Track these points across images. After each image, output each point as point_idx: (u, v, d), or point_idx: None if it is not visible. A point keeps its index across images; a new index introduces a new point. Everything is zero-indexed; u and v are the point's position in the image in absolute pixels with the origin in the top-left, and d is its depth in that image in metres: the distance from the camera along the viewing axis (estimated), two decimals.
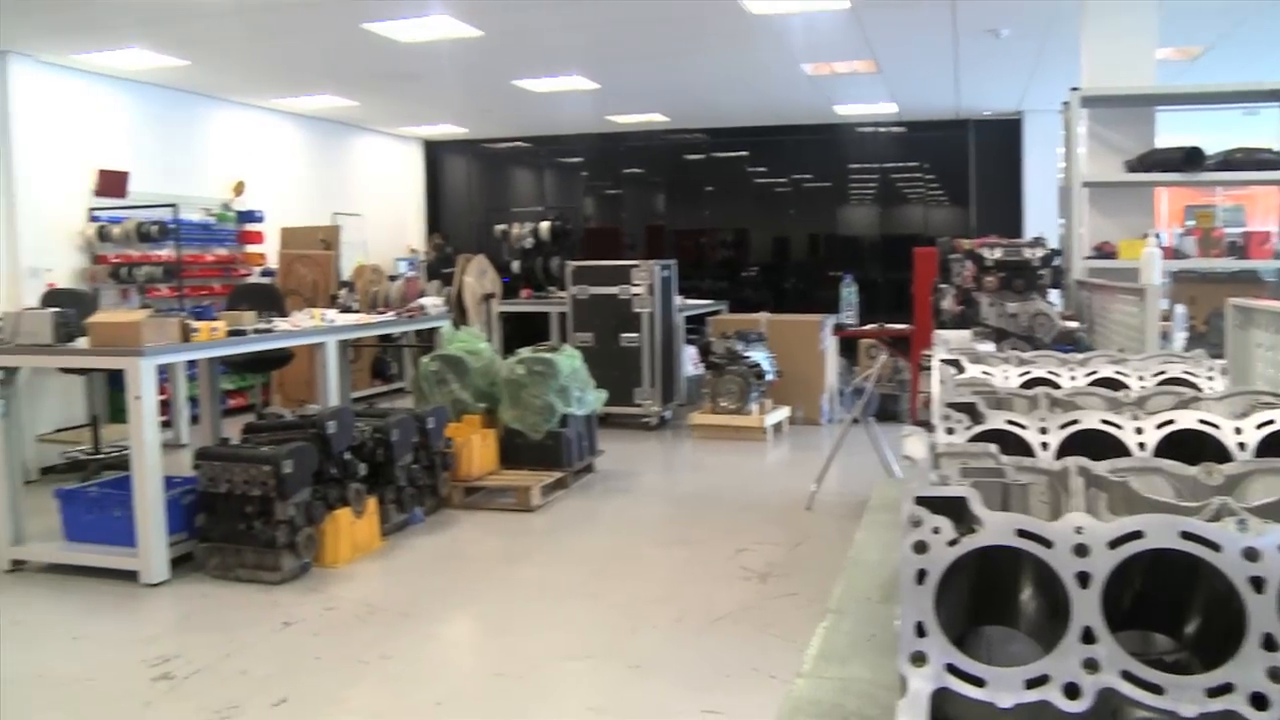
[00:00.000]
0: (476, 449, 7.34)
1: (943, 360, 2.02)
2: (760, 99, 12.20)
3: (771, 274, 15.08)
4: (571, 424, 7.72)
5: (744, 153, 15.16)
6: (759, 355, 9.77)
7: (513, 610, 5.26)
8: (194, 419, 9.66)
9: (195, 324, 6.20)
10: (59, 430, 9.13)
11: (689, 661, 4.50)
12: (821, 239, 15.12)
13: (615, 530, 6.82)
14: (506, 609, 5.30)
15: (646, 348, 9.93)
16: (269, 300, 8.41)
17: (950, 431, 1.49)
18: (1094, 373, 1.93)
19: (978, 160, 13.73)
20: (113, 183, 10.25)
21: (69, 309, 6.26)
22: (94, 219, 10.20)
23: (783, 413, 9.90)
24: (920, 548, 0.95)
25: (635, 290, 9.94)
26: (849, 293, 7.65)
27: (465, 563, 6.17)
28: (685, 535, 6.58)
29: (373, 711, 4.11)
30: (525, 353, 7.88)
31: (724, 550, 6.10)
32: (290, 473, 5.57)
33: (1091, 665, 0.89)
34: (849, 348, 10.89)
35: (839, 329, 8.53)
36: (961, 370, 1.96)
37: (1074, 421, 1.48)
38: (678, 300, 10.74)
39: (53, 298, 8.40)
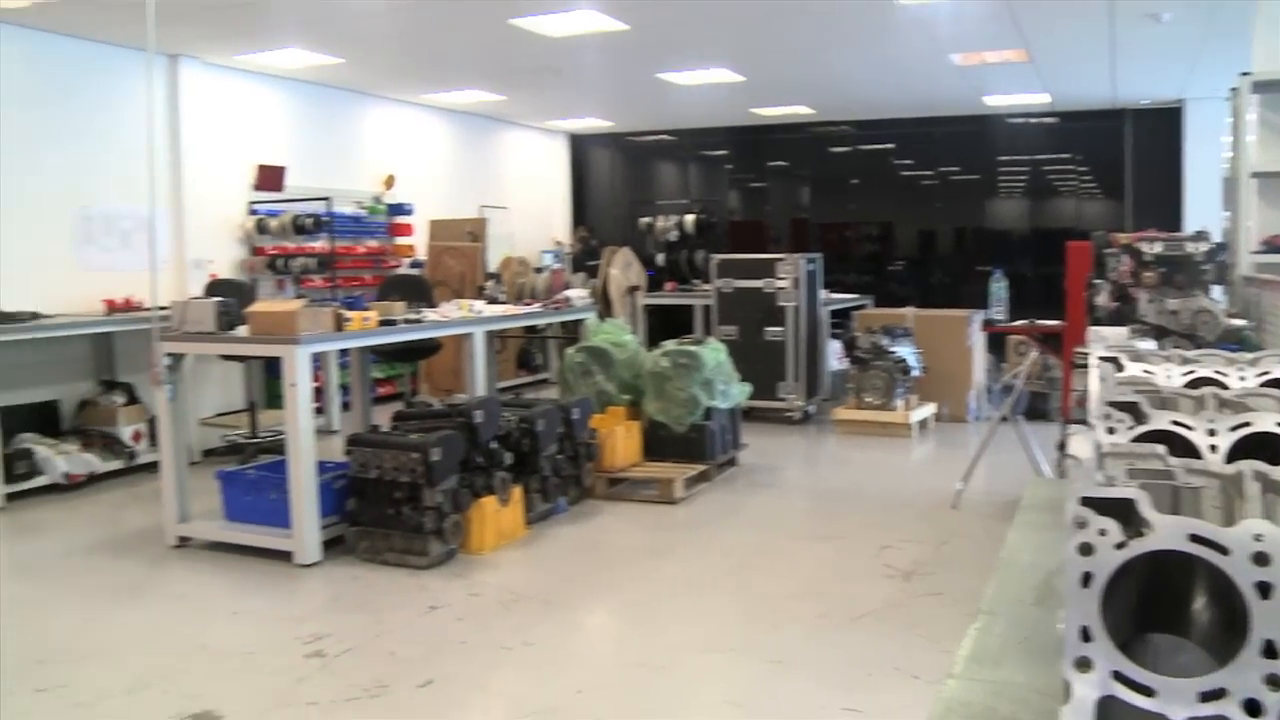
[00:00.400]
0: (620, 440, 7.39)
1: (1101, 358, 1.96)
2: (907, 90, 12.01)
3: (917, 268, 14.85)
4: (715, 417, 7.71)
5: (890, 145, 14.93)
6: (905, 350, 9.64)
7: (654, 601, 5.29)
8: (345, 406, 9.94)
9: (348, 314, 6.37)
10: (219, 414, 9.49)
11: (830, 659, 4.47)
12: (969, 233, 14.82)
13: (758, 524, 6.80)
14: (648, 600, 5.32)
15: (791, 342, 9.87)
16: (418, 291, 8.58)
17: (1111, 431, 1.45)
18: (1265, 373, 1.85)
19: (1134, 151, 13.30)
20: (271, 177, 10.60)
21: (230, 299, 6.49)
22: (253, 212, 10.56)
23: (928, 409, 9.74)
24: (1085, 550, 0.93)
25: (780, 284, 9.89)
26: (998, 288, 7.47)
27: (608, 553, 6.22)
28: (828, 531, 6.53)
29: (515, 696, 4.17)
30: (670, 345, 7.89)
31: (867, 547, 6.03)
32: (438, 460, 5.69)
33: (1275, 682, 0.85)
34: (997, 344, 10.67)
35: (988, 324, 8.33)
36: (1121, 368, 1.90)
37: (1246, 424, 1.42)
38: (822, 294, 10.64)
39: (215, 288, 8.71)
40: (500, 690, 4.25)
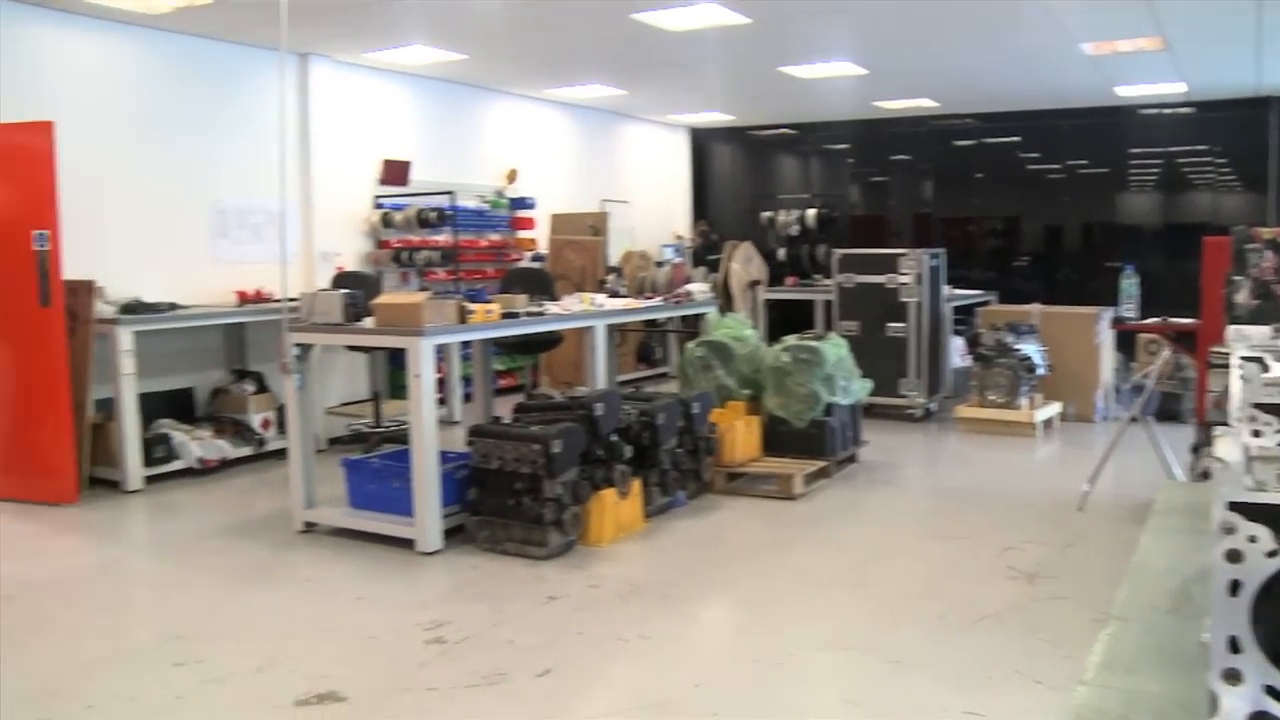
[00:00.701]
0: (740, 435, 7.37)
1: (1243, 358, 1.89)
2: (1034, 81, 11.74)
3: (1043, 264, 14.51)
4: (836, 413, 7.65)
5: (1016, 138, 14.62)
6: (1030, 348, 9.44)
7: (772, 597, 5.27)
8: (467, 397, 10.08)
9: (471, 306, 6.45)
10: (344, 404, 9.71)
11: (950, 660, 4.40)
12: (1097, 228, 14.43)
13: (877, 522, 6.73)
14: (766, 595, 5.30)
15: (913, 338, 9.74)
16: (540, 284, 8.66)
17: (1256, 434, 1.40)
18: None
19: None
20: (396, 172, 10.79)
21: (356, 291, 6.62)
22: (378, 206, 10.76)
23: (1054, 408, 9.53)
24: (1234, 557, 0.89)
25: (902, 279, 9.76)
26: (1129, 284, 7.25)
27: (726, 547, 6.21)
28: (949, 530, 6.43)
29: (632, 689, 4.19)
30: (791, 340, 7.84)
31: (989, 548, 5.93)
32: (559, 452, 5.73)
33: None
34: (1126, 342, 10.39)
35: (1118, 322, 8.09)
36: (1266, 369, 1.83)
37: None
38: (945, 290, 10.47)
39: (341, 280, 8.91)
40: (617, 681, 4.28)
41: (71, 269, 7.17)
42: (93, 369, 7.50)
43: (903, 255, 9.86)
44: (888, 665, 4.34)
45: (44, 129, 6.93)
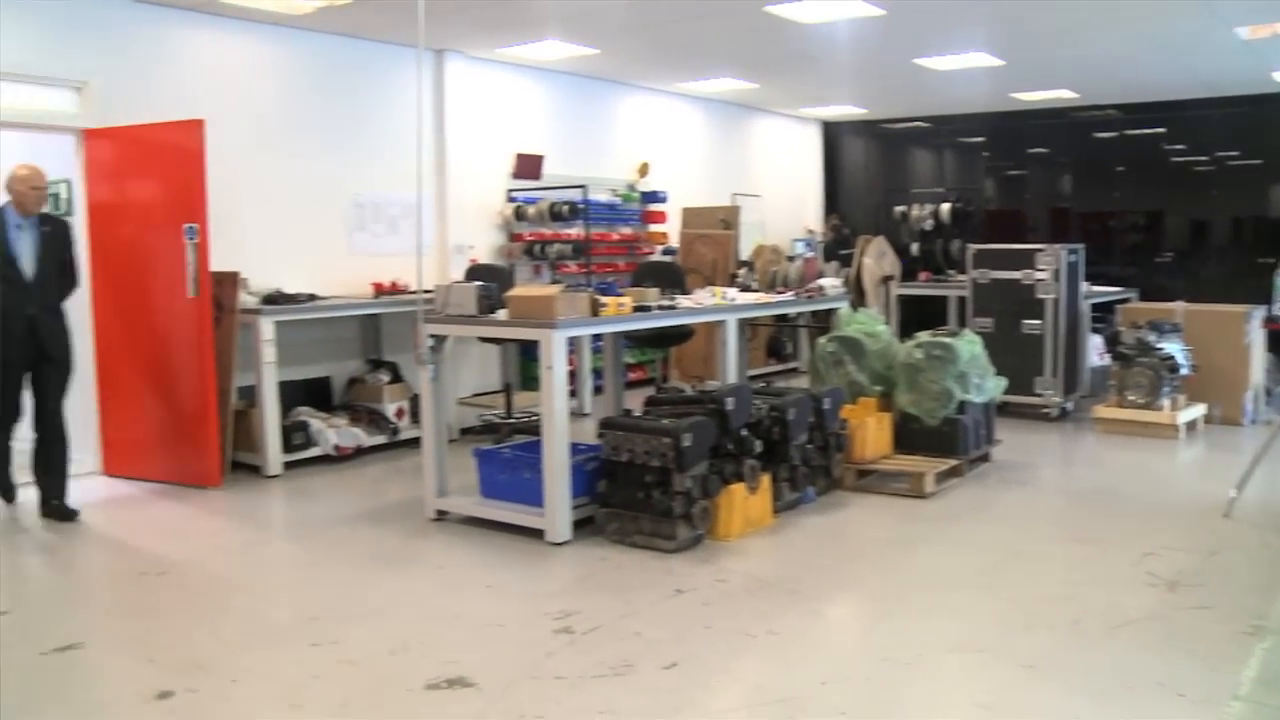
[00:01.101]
0: (871, 432, 7.28)
1: None
2: (1183, 70, 11.35)
3: (1188, 260, 14.02)
4: (969, 411, 7.50)
5: (1160, 129, 14.16)
6: (1173, 347, 9.14)
7: (901, 596, 5.19)
8: (597, 390, 10.14)
9: (603, 299, 6.48)
10: (476, 395, 9.84)
11: (1086, 668, 4.27)
12: (1248, 222, 13.90)
13: (1010, 523, 6.58)
14: (895, 594, 5.23)
15: (1049, 335, 9.50)
16: (671, 278, 8.66)
17: None
18: None
19: None
20: (529, 166, 10.90)
21: (490, 283, 6.70)
22: (511, 200, 10.89)
23: (1197, 410, 9.21)
24: None
25: (1039, 275, 9.53)
26: None
27: (855, 545, 6.14)
28: (1085, 534, 6.25)
29: (758, 684, 4.16)
30: (924, 336, 7.72)
31: (1128, 553, 5.74)
32: (689, 446, 5.73)
33: None
34: (1278, 342, 10.00)
35: (1270, 321, 7.78)
36: None
37: None
38: (1084, 286, 10.20)
39: (475, 273, 9.04)
40: (743, 676, 4.25)
41: (217, 261, 7.40)
42: (236, 357, 7.73)
43: (1040, 250, 9.63)
44: (1020, 670, 4.24)
45: (194, 127, 7.17)
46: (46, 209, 6.79)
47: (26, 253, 6.48)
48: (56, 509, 6.61)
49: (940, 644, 4.51)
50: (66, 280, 6.80)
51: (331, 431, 8.25)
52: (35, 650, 4.57)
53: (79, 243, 7.19)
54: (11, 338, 6.43)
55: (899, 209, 14.25)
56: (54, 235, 6.64)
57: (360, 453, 8.39)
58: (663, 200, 12.52)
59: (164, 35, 8.04)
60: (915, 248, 13.82)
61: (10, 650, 4.59)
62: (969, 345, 7.61)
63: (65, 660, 4.49)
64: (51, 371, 6.63)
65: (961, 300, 10.44)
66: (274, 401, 7.79)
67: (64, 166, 7.72)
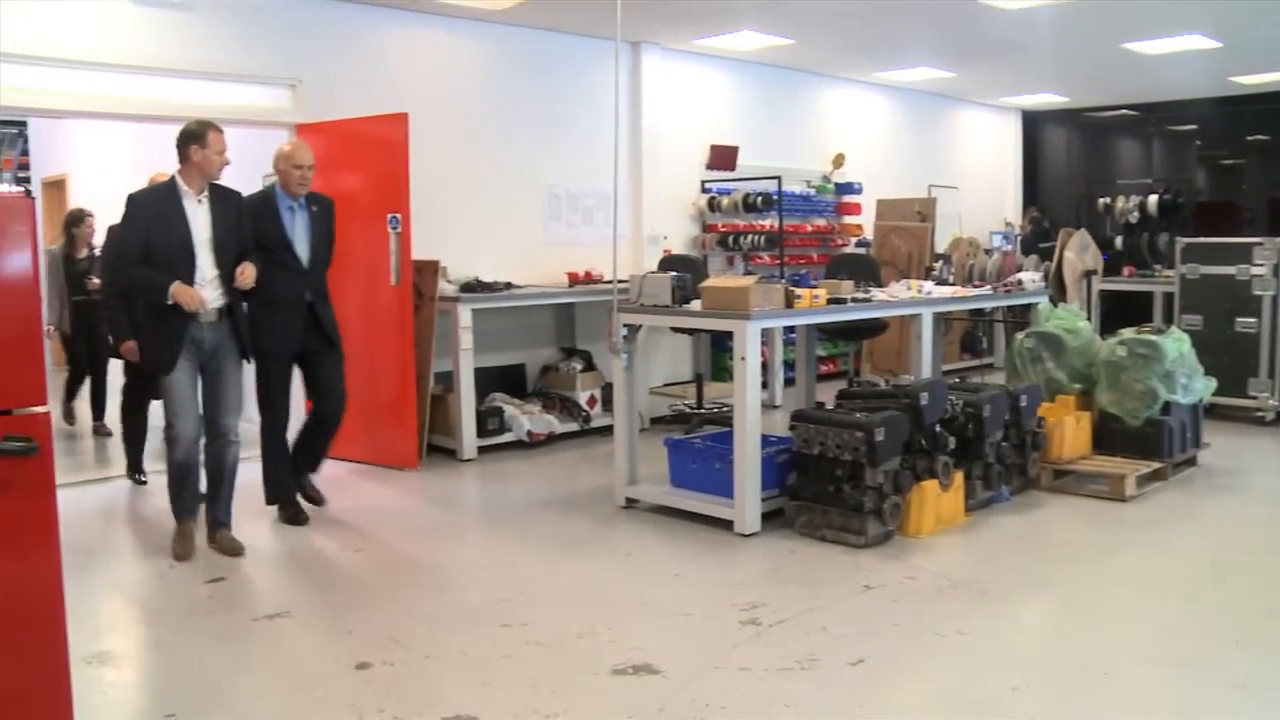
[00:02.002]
0: (1069, 431, 7.06)
1: None
2: None
3: None
4: (1174, 412, 7.19)
5: None
6: None
7: (1098, 602, 5.01)
8: (788, 382, 10.11)
9: (798, 291, 6.44)
10: (667, 384, 9.91)
11: None
12: None
13: (1218, 531, 6.28)
14: (1091, 600, 5.05)
15: (1265, 334, 9.02)
16: (866, 270, 8.56)
17: None
18: None
19: None
20: (723, 157, 10.91)
21: (684, 274, 6.74)
22: (705, 191, 10.92)
23: None
24: None
25: (1256, 271, 9.06)
26: None
27: (1050, 547, 5.96)
28: None
29: (946, 685, 4.08)
30: (1127, 334, 7.44)
31: None
32: (882, 440, 5.66)
33: None
34: None
35: None
36: None
37: None
38: None
39: (668, 263, 9.09)
40: (931, 677, 4.18)
41: (418, 250, 7.64)
42: (435, 344, 7.97)
43: (1258, 245, 9.15)
44: (1227, 688, 4.03)
45: (399, 121, 7.40)
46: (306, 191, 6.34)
47: (300, 236, 6.20)
48: (302, 488, 6.56)
49: (1139, 654, 4.34)
50: (329, 261, 6.53)
51: (525, 418, 8.42)
52: (248, 616, 4.84)
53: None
54: (289, 327, 6.15)
55: (1102, 201, 13.73)
56: (322, 216, 6.34)
57: (552, 439, 8.54)
58: (857, 192, 12.38)
59: (370, 32, 8.34)
60: (1119, 241, 13.29)
61: (225, 615, 4.88)
62: (1176, 343, 7.29)
63: (273, 627, 4.72)
64: (333, 359, 6.37)
65: (1168, 296, 10.03)
66: (470, 387, 8.00)
67: None
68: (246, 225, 5.77)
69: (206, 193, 5.52)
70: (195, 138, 5.43)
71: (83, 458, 8.40)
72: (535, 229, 9.43)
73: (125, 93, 7.30)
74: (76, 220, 8.77)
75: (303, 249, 6.19)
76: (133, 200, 5.49)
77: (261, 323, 6.03)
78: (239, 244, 5.65)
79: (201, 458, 5.72)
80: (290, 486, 6.43)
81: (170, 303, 5.35)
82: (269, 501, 6.40)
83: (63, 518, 2.95)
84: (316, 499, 6.63)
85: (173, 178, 5.52)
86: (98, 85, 7.18)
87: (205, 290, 5.48)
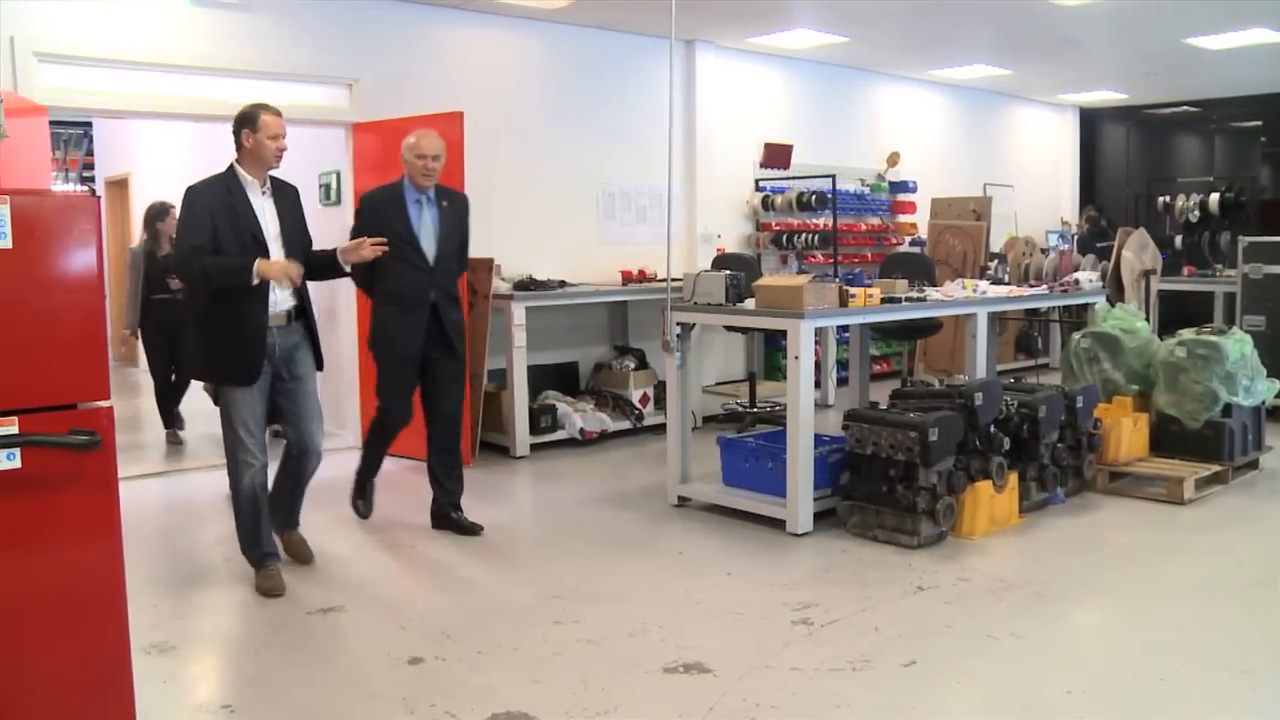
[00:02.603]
0: (1126, 433, 6.98)
1: None
2: None
3: None
4: (1235, 415, 7.08)
5: None
6: None
7: (1156, 606, 4.95)
8: (840, 381, 10.07)
9: (852, 290, 6.42)
10: (719, 383, 9.91)
11: None
12: None
13: None
14: (1148, 604, 4.99)
15: None
16: (920, 269, 8.51)
17: None
18: None
19: None
20: (778, 155, 10.88)
21: (737, 272, 6.73)
22: (759, 189, 10.90)
23: None
24: None
25: None
26: None
27: (1106, 550, 5.90)
28: None
29: (999, 688, 4.05)
30: (1187, 334, 7.34)
31: None
32: (936, 441, 5.62)
33: None
34: None
35: None
36: None
37: None
38: None
39: (722, 262, 9.08)
40: (984, 680, 4.15)
41: (472, 247, 7.64)
42: (488, 341, 8.01)
43: None
44: None
45: (455, 119, 7.44)
46: (419, 184, 5.85)
47: (427, 232, 5.82)
48: (456, 522, 6.14)
49: (1199, 661, 4.28)
50: (463, 263, 6.19)
51: (578, 415, 8.45)
52: (302, 609, 4.90)
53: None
54: (411, 329, 5.79)
55: (1161, 199, 13.55)
56: (453, 212, 5.95)
57: (604, 437, 8.56)
58: (912, 190, 12.31)
59: (426, 32, 8.40)
60: (1178, 240, 13.12)
61: (280, 607, 4.94)
62: (1238, 344, 7.18)
63: (327, 621, 4.78)
64: (451, 367, 5.98)
65: (1230, 296, 9.88)
66: (523, 385, 8.04)
67: (336, 158, 8.17)
68: (300, 222, 5.25)
69: (269, 185, 5.05)
70: (246, 121, 4.93)
71: (143, 452, 8.51)
72: (589, 227, 9.46)
73: (185, 93, 7.40)
74: (160, 214, 8.35)
75: (429, 245, 5.81)
76: (193, 191, 4.91)
77: (383, 322, 5.86)
78: (304, 241, 5.20)
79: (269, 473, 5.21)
80: (367, 488, 6.23)
81: (255, 282, 4.80)
82: (357, 492, 6.23)
83: (123, 509, 3.01)
84: (467, 528, 6.15)
85: (231, 166, 5.01)
86: (158, 86, 7.29)
87: (276, 292, 4.99)
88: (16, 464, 2.77)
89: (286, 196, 5.23)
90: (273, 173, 5.09)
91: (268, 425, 5.24)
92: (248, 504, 5.11)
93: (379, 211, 5.77)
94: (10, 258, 2.73)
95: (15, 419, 2.76)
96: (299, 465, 5.34)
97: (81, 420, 2.82)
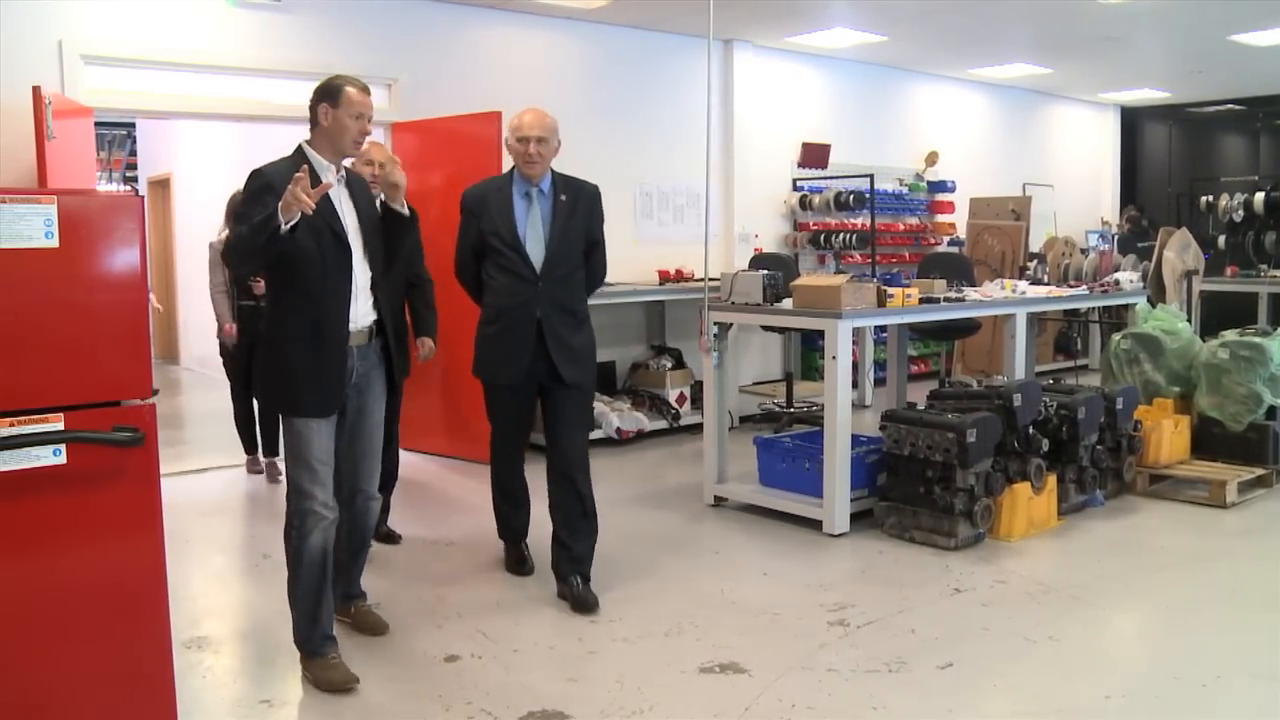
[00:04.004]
0: (1166, 435, 6.91)
1: None
2: None
3: None
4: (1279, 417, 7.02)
5: None
6: None
7: (1196, 610, 4.90)
8: (878, 382, 10.03)
9: (890, 290, 6.40)
10: (756, 383, 9.90)
11: None
12: None
13: None
14: (1189, 608, 4.94)
15: None
16: (959, 269, 8.46)
17: None
18: None
19: None
20: (815, 155, 10.85)
21: (775, 272, 6.72)
22: (796, 188, 10.89)
23: None
24: None
25: None
26: None
27: (1145, 553, 5.84)
28: None
29: (1037, 692, 4.03)
30: (1230, 336, 7.27)
31: None
32: (974, 442, 5.59)
33: None
34: None
35: None
36: None
37: None
38: None
39: (759, 261, 9.07)
40: (1021, 683, 4.12)
41: None
42: None
43: None
44: None
45: (493, 119, 7.46)
46: (546, 172, 4.93)
47: (535, 232, 4.84)
48: (574, 595, 4.88)
49: (1242, 667, 4.23)
50: (595, 271, 5.16)
51: (614, 415, 8.46)
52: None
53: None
54: (512, 352, 4.86)
55: (1204, 199, 13.41)
56: (573, 207, 4.92)
57: (641, 436, 8.57)
58: (950, 190, 12.25)
59: (465, 32, 8.45)
60: (1222, 240, 12.98)
61: None
62: None
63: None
64: (569, 402, 4.93)
65: (1275, 297, 9.79)
66: None
67: None
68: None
69: (342, 173, 4.15)
70: (327, 95, 4.04)
71: (184, 448, 8.58)
72: (626, 226, 9.46)
73: (225, 93, 7.48)
74: None
75: (535, 249, 4.83)
76: (261, 175, 3.95)
77: (480, 345, 5.01)
78: (382, 245, 4.24)
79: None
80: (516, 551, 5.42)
81: (283, 225, 3.64)
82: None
83: (165, 505, 3.05)
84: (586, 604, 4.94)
85: (300, 148, 4.08)
86: (199, 86, 7.37)
87: (359, 303, 4.09)
88: (62, 459, 2.81)
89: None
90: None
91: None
92: (312, 568, 4.05)
93: (476, 209, 4.94)
94: (57, 257, 2.77)
95: (61, 415, 2.80)
96: (348, 512, 4.30)
97: (125, 417, 2.86)
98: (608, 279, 5.33)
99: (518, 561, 5.39)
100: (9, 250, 2.75)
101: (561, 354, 4.84)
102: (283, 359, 4.00)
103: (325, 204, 3.90)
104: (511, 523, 5.38)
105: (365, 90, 4.15)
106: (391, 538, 5.94)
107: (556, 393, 4.91)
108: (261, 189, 3.89)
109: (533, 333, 4.81)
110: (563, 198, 4.89)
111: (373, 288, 4.15)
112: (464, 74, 8.38)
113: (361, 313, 4.11)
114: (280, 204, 3.65)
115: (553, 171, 4.95)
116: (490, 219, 4.86)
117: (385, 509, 5.77)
